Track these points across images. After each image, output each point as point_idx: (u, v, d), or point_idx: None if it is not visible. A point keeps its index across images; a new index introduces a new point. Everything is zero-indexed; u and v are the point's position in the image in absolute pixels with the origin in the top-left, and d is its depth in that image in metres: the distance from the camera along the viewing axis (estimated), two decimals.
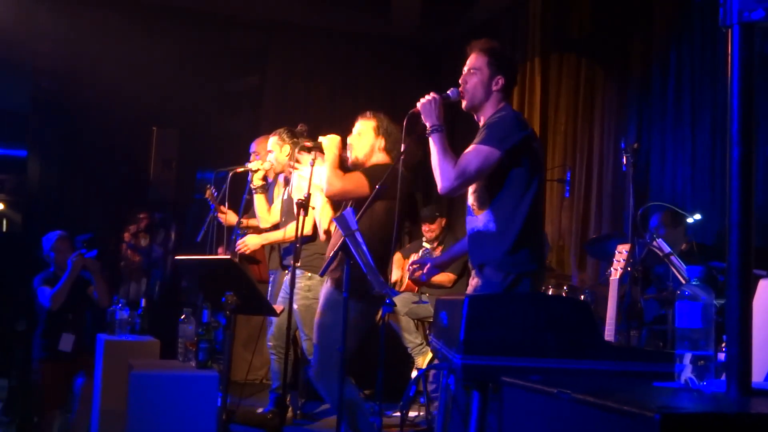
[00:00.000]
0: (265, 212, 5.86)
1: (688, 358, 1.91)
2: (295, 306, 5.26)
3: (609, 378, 2.26)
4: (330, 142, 4.59)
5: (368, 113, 4.71)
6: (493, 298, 2.61)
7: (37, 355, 6.13)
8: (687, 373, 1.90)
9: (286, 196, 5.66)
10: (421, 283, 4.05)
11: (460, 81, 3.71)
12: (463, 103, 3.70)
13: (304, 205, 4.66)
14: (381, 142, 4.59)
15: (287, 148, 5.62)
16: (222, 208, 6.13)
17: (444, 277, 6.79)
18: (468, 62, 3.71)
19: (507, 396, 1.98)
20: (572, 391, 1.70)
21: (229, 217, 6.20)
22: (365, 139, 4.61)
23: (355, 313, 4.12)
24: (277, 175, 5.91)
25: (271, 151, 5.73)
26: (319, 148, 4.64)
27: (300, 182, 5.31)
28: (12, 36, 7.94)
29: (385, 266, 4.26)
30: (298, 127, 5.12)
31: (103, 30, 8.15)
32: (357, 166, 4.61)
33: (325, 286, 4.52)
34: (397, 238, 4.42)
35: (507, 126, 3.53)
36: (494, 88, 3.66)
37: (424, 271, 3.95)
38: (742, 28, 1.84)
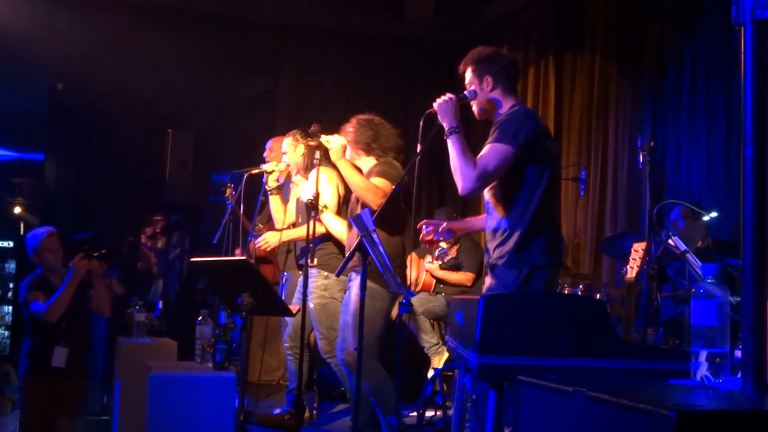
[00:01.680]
0: (281, 213, 5.89)
1: (703, 355, 1.91)
2: (311, 305, 5.29)
3: (625, 376, 2.27)
4: (337, 152, 4.72)
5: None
6: (508, 298, 2.62)
7: (23, 371, 5.21)
8: (703, 371, 1.91)
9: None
10: (435, 242, 4.02)
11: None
12: (476, 116, 3.83)
13: (314, 205, 4.72)
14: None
15: (301, 148, 5.64)
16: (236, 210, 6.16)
17: (463, 276, 6.81)
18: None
19: (523, 395, 1.99)
20: (588, 390, 1.70)
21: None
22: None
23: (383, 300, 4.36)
24: (291, 175, 5.94)
25: (285, 153, 5.76)
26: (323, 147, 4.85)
27: (305, 183, 5.37)
28: (29, 40, 8.02)
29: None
30: (312, 127, 5.15)
31: (118, 33, 8.19)
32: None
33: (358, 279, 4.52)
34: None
35: (517, 121, 3.57)
36: (487, 89, 3.73)
37: (441, 229, 3.92)
38: (754, 26, 1.84)
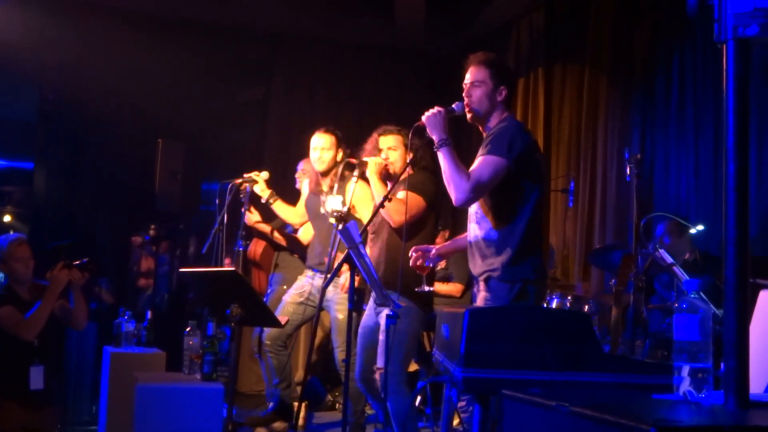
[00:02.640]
0: (290, 214, 5.91)
1: (686, 370, 1.92)
2: (338, 315, 5.29)
3: (609, 390, 2.27)
4: (373, 167, 4.68)
5: (393, 128, 4.85)
6: (494, 311, 2.63)
7: None
8: (685, 386, 1.92)
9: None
10: (425, 269, 4.03)
11: (463, 94, 3.76)
12: (468, 116, 3.76)
13: (344, 218, 4.68)
14: (408, 157, 4.68)
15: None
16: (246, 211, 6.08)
17: (452, 288, 6.81)
18: (469, 75, 3.76)
19: (507, 408, 2.00)
20: (571, 404, 1.71)
21: (253, 217, 6.13)
22: (400, 153, 4.75)
23: (413, 317, 4.37)
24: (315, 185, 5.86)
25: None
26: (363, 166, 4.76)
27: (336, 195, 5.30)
28: (19, 48, 8.00)
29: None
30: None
31: (109, 42, 8.19)
32: (391, 179, 4.72)
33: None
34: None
35: (510, 135, 3.59)
36: (498, 98, 3.73)
37: (431, 255, 3.95)
38: (736, 44, 1.86)
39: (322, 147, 5.55)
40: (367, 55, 9.39)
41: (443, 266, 6.95)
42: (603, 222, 6.89)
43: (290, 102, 9.14)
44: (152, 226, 8.21)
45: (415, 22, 8.64)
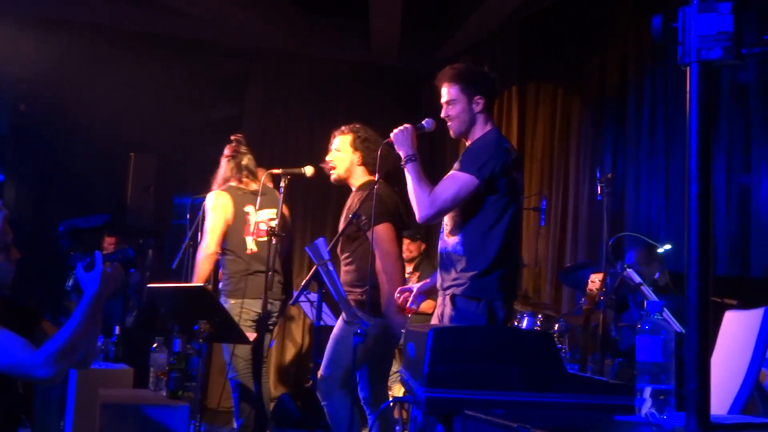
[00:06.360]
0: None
1: (648, 391, 1.92)
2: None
3: (573, 411, 2.27)
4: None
5: (344, 128, 4.76)
6: (458, 331, 2.62)
7: None
8: (647, 407, 1.92)
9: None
10: (410, 310, 4.05)
11: (443, 116, 3.74)
12: (451, 132, 3.75)
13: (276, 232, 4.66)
14: (357, 157, 4.62)
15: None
16: None
17: (425, 304, 6.79)
18: (443, 95, 3.73)
19: (470, 430, 1.99)
20: (532, 426, 1.70)
21: None
22: (344, 155, 4.65)
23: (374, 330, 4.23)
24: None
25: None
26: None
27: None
28: None
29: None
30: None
31: (82, 55, 8.14)
32: (340, 182, 4.67)
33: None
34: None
35: (486, 153, 3.57)
36: (476, 109, 3.71)
37: (411, 299, 3.96)
38: (699, 66, 1.87)
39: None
40: (343, 72, 9.38)
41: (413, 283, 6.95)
42: (575, 240, 6.92)
43: (265, 118, 9.11)
44: (111, 239, 8.13)
45: (390, 39, 8.66)
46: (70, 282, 3.05)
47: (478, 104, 3.70)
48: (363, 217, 4.24)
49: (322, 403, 4.33)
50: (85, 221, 2.78)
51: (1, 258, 3.04)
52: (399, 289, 4.02)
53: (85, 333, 2.80)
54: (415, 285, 4.08)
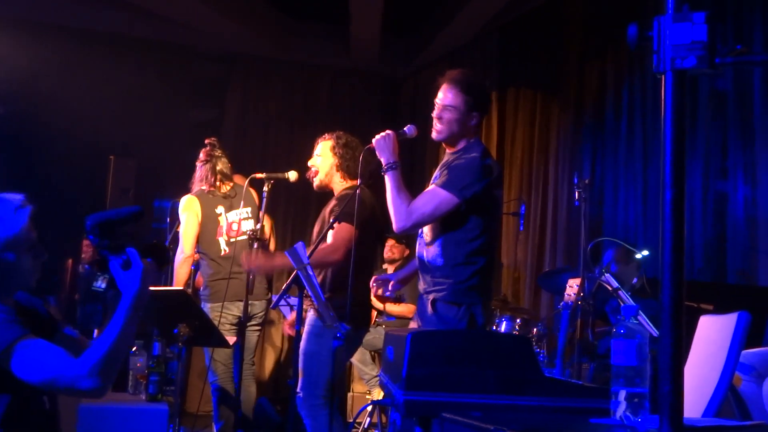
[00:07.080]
0: None
1: (623, 394, 1.95)
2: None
3: (549, 414, 2.29)
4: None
5: (327, 134, 4.81)
6: (436, 335, 2.63)
7: None
8: (622, 410, 1.94)
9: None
10: (385, 299, 4.07)
11: (434, 115, 3.69)
12: (434, 134, 3.70)
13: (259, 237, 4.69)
14: (336, 162, 4.65)
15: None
16: None
17: (404, 308, 6.82)
18: (441, 95, 3.67)
19: None
20: (509, 428, 1.72)
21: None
22: (325, 159, 4.70)
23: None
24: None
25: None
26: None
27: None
28: None
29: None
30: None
31: (61, 59, 8.10)
32: (322, 189, 4.71)
33: (309, 315, 4.44)
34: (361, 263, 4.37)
35: (471, 173, 3.54)
36: (470, 124, 3.67)
37: (389, 287, 3.97)
38: (674, 75, 1.90)
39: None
40: (322, 77, 9.41)
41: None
42: (554, 245, 6.96)
43: (244, 122, 9.11)
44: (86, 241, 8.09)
45: (370, 44, 8.69)
46: (100, 282, 2.70)
47: (473, 120, 3.66)
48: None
49: (305, 421, 4.32)
50: (116, 213, 2.45)
51: (28, 258, 2.83)
52: (375, 278, 4.02)
53: (128, 338, 2.53)
54: (392, 274, 4.11)
